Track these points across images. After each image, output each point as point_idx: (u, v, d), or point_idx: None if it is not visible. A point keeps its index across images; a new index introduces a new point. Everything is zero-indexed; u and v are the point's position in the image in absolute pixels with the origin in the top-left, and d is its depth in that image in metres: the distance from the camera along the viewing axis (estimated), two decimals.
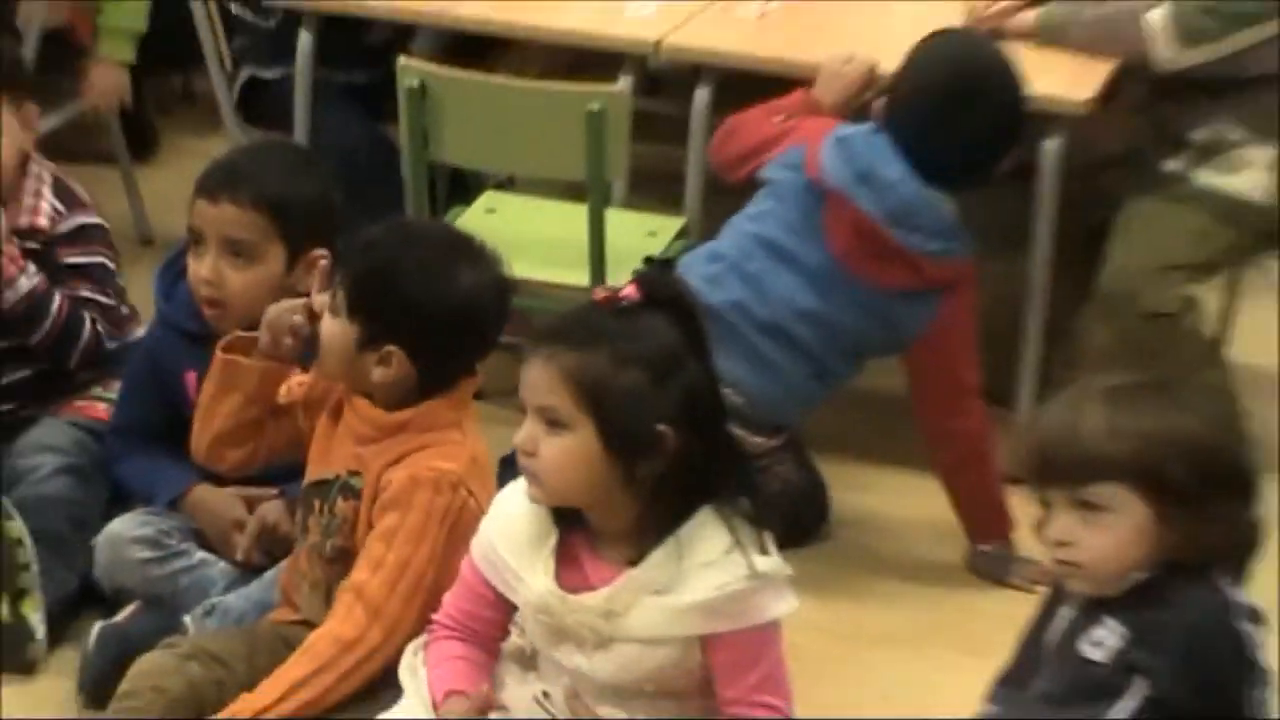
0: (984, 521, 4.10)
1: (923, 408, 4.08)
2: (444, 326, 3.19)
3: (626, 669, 2.96)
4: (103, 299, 3.91)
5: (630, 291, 2.95)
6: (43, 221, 3.90)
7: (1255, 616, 2.90)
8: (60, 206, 3.93)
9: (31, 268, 3.83)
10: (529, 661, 3.10)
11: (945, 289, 3.96)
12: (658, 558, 2.90)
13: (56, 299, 3.84)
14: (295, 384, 3.36)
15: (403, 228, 3.35)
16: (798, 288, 3.94)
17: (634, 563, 2.92)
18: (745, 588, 2.89)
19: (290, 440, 3.41)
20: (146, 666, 3.23)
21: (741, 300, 3.93)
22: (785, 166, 4.01)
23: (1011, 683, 3.04)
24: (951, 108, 3.93)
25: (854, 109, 4.11)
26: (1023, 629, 3.06)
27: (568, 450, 2.89)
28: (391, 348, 3.19)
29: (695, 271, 3.92)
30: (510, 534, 3.01)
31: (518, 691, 3.06)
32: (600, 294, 3.02)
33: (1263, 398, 4.49)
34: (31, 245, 3.87)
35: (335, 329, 3.23)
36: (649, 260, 3.05)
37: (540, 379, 2.91)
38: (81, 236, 3.94)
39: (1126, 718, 2.86)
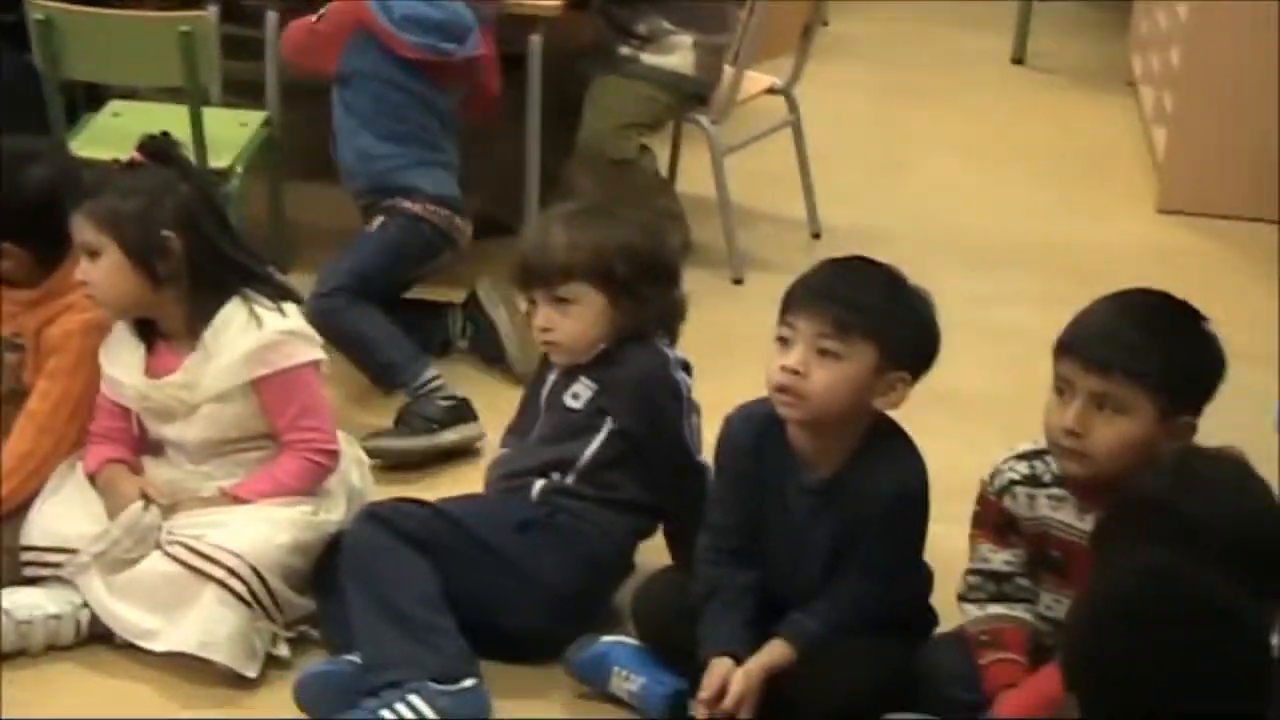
0: None
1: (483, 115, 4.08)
2: (32, 215, 3.06)
3: (213, 423, 3.00)
4: None
5: (135, 156, 3.01)
6: None
7: (687, 368, 3.01)
8: None
9: None
10: (158, 450, 3.09)
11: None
12: (208, 336, 2.97)
13: None
14: None
15: None
16: (438, 123, 3.88)
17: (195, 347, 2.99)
18: (272, 340, 2.97)
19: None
20: None
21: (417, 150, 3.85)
22: (361, 57, 3.85)
23: (517, 432, 3.12)
24: None
25: None
26: (522, 394, 3.14)
27: (105, 269, 2.94)
28: (5, 244, 3.06)
29: (383, 151, 3.82)
30: (112, 357, 3.05)
31: (154, 472, 3.06)
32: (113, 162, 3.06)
33: (701, 215, 4.59)
34: None
35: None
36: (151, 136, 3.05)
37: (75, 224, 2.95)
38: None
39: (599, 447, 2.96)
